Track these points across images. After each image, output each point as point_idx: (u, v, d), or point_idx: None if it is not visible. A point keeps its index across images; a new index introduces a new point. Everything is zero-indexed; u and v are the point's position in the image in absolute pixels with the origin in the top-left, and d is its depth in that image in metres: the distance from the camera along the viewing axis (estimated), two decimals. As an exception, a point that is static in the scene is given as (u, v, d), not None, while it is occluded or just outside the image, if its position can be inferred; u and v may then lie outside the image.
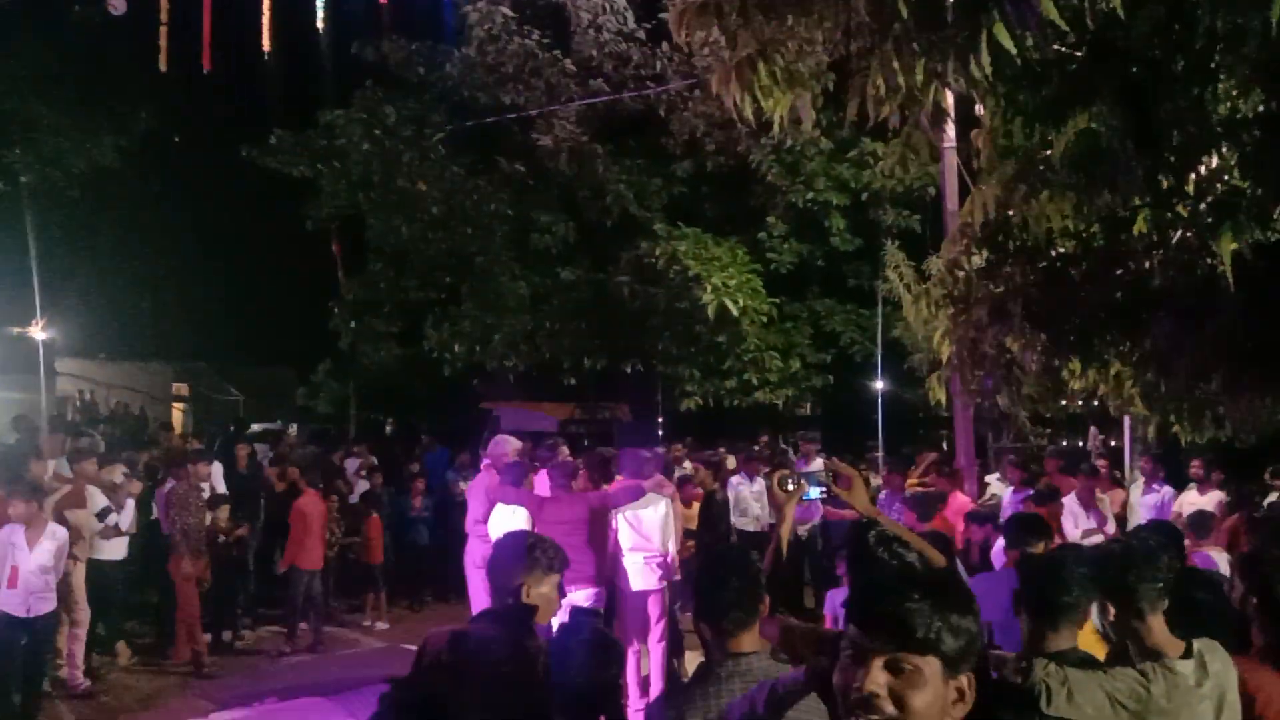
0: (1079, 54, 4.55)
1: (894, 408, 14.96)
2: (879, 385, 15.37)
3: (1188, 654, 2.83)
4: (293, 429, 20.21)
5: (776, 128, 4.40)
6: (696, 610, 2.86)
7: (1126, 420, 11.54)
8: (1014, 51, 3.26)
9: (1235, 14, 4.86)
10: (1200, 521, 6.76)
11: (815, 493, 3.24)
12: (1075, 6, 3.64)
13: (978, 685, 2.58)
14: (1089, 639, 3.38)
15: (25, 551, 7.19)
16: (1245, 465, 11.12)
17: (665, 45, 17.88)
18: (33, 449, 9.52)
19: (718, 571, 2.82)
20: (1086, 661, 2.83)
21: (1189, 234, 5.17)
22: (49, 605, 7.47)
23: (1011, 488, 9.94)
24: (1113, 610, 2.95)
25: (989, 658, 2.95)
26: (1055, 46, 4.38)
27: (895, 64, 3.73)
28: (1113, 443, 14.93)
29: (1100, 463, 10.90)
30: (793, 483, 3.17)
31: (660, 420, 18.52)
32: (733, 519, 10.91)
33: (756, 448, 13.35)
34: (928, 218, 16.32)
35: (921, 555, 2.86)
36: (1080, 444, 16.82)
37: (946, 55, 3.37)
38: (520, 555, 3.27)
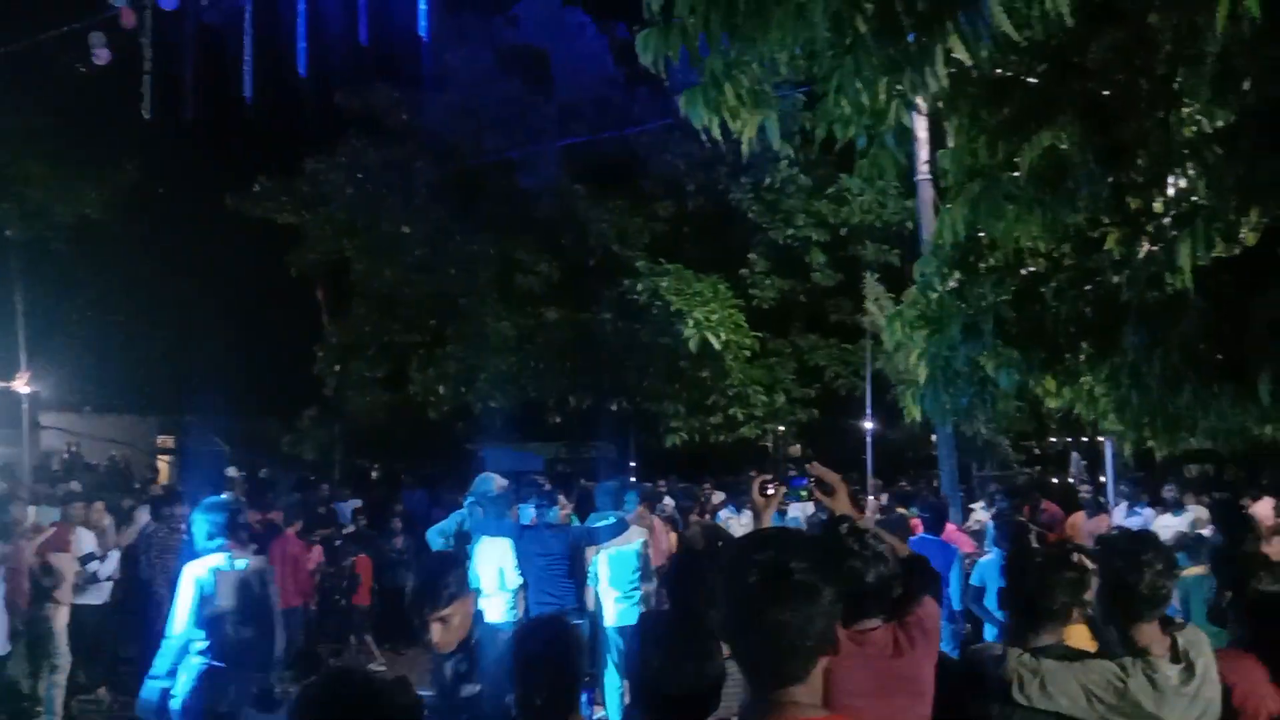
0: (1041, 69, 4.65)
1: (881, 445, 15.02)
2: (867, 425, 15.43)
3: (1175, 656, 2.80)
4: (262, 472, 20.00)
5: (745, 148, 4.48)
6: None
7: (1108, 447, 11.62)
8: (969, 63, 3.36)
9: (1194, 39, 5.00)
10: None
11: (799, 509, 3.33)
12: (1033, 24, 3.73)
13: (951, 675, 2.60)
14: (1081, 639, 3.30)
15: None
16: (1235, 490, 11.21)
17: (645, 88, 18.17)
18: (14, 495, 9.45)
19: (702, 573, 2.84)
20: (1066, 655, 2.82)
21: (1155, 249, 5.25)
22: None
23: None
24: (1111, 602, 2.92)
25: (967, 648, 2.96)
26: (1014, 61, 4.48)
27: (857, 82, 3.81)
28: (1101, 479, 15.01)
29: (1083, 489, 11.03)
30: (772, 488, 3.27)
31: (635, 461, 18.47)
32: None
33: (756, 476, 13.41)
34: (906, 251, 16.50)
35: (891, 547, 2.93)
36: (1070, 480, 16.87)
37: (904, 69, 3.46)
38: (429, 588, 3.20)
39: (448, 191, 18.74)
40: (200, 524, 5.58)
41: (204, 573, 5.43)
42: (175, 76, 13.22)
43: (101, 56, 12.51)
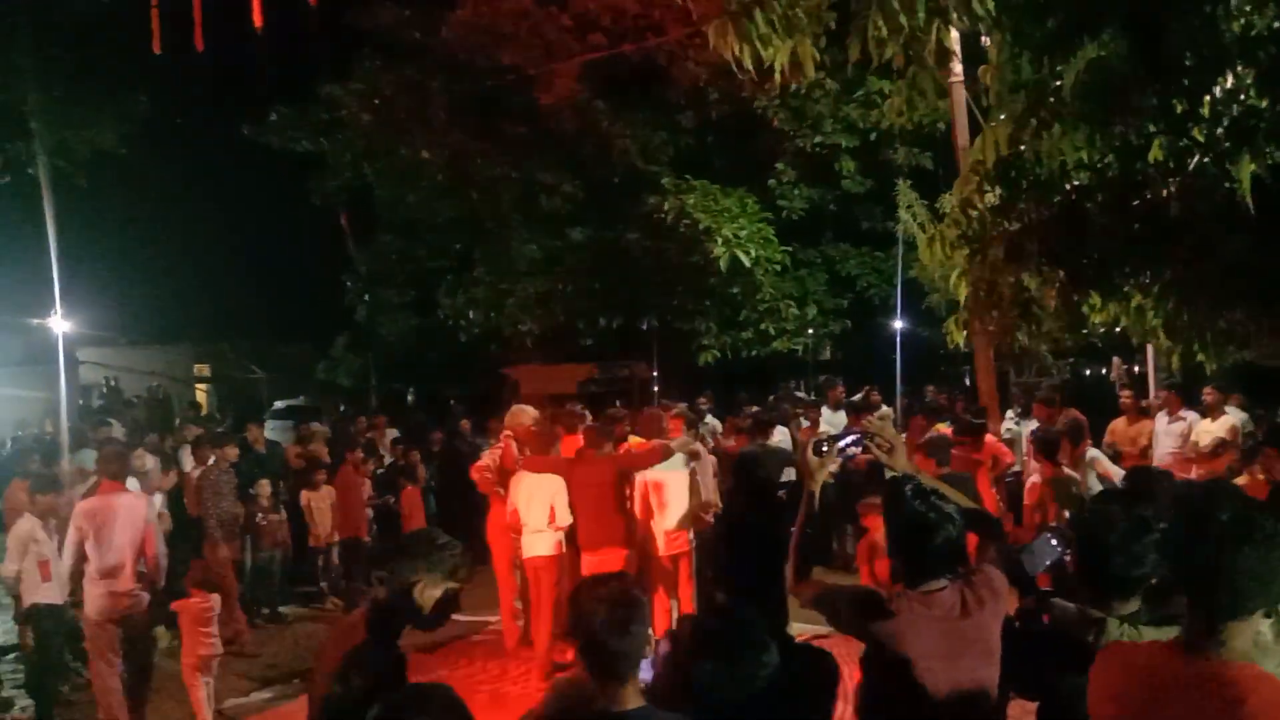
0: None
1: (913, 347, 14.86)
2: (897, 324, 15.21)
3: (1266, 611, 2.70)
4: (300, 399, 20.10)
5: (778, 77, 4.31)
6: (715, 579, 2.87)
7: (1150, 347, 11.39)
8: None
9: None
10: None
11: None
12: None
13: (1040, 640, 2.60)
14: None
15: (51, 544, 7.14)
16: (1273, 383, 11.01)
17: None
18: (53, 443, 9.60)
19: (737, 546, 2.83)
20: (1161, 621, 2.69)
21: (1206, 159, 5.04)
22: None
23: (1035, 424, 9.86)
24: None
25: (1051, 608, 2.88)
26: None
27: (895, 3, 3.63)
28: (1136, 369, 14.80)
29: (1125, 393, 10.78)
30: (826, 446, 3.23)
31: (667, 379, 18.43)
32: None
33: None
34: (939, 154, 16.06)
35: (957, 505, 2.89)
36: (1104, 371, 16.68)
37: (948, -8, 3.29)
38: (423, 552, 2.99)
39: (465, 113, 18.39)
40: (101, 465, 6.74)
41: (95, 508, 6.38)
42: (182, 6, 12.94)
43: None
